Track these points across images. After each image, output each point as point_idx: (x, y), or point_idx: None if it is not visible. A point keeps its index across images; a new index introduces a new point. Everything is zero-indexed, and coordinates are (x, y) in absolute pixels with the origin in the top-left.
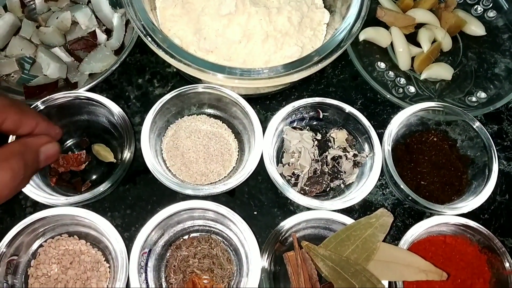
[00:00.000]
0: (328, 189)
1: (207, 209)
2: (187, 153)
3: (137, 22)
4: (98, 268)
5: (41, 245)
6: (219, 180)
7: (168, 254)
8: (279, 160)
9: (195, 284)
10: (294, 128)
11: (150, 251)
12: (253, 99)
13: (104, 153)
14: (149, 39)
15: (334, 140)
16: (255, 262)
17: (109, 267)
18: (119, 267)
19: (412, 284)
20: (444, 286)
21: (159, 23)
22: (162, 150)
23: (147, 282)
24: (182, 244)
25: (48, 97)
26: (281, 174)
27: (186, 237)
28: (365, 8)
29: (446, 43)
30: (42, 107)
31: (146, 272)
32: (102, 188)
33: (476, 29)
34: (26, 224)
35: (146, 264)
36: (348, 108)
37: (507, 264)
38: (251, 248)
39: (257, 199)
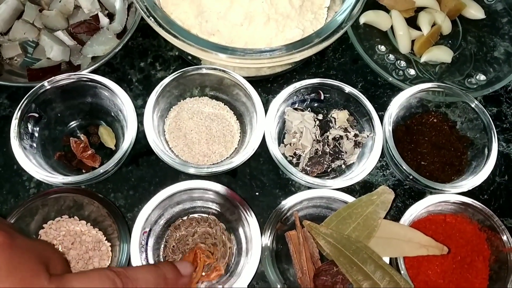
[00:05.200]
0: (329, 170)
1: (206, 189)
2: (190, 134)
3: (140, 3)
4: (99, 247)
5: (42, 227)
6: (221, 161)
7: (167, 234)
8: (280, 141)
9: (197, 256)
10: (296, 109)
11: (150, 230)
12: (255, 82)
13: (107, 137)
14: (152, 19)
15: (335, 120)
16: (256, 242)
17: (111, 246)
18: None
19: (413, 260)
20: (444, 263)
21: (161, 7)
22: (164, 131)
23: (147, 261)
24: (181, 225)
25: (52, 78)
26: (283, 155)
27: (185, 218)
28: None
29: (446, 27)
30: (48, 87)
31: (146, 251)
32: (102, 169)
33: (475, 12)
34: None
35: (147, 243)
36: (348, 88)
37: (505, 240)
38: (252, 228)
39: (259, 180)
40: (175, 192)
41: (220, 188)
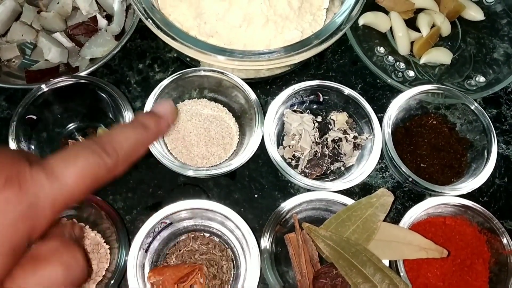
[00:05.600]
0: (328, 172)
1: (239, 227)
2: (188, 136)
3: (138, 5)
4: (98, 250)
5: None
6: (220, 163)
7: (182, 238)
8: (279, 143)
9: (192, 273)
10: (295, 111)
11: (170, 224)
12: (253, 84)
13: None
14: (150, 22)
15: (334, 123)
16: None
17: (109, 248)
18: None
19: (413, 263)
20: (444, 266)
21: (160, 9)
22: None
23: (148, 247)
24: (200, 238)
25: (50, 80)
26: (282, 157)
27: (208, 235)
28: None
29: (445, 28)
30: (45, 89)
31: (153, 239)
32: None
33: (475, 14)
34: None
35: (159, 232)
36: (347, 90)
37: (506, 243)
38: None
39: (258, 182)
40: (213, 210)
41: (251, 239)
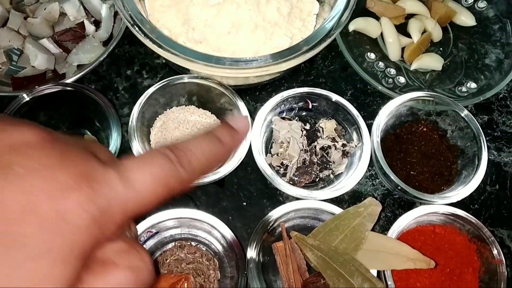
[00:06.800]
0: (317, 180)
1: (222, 233)
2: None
3: (124, 12)
4: None
5: None
6: None
7: (168, 247)
8: (268, 150)
9: (179, 283)
10: (283, 118)
11: (156, 233)
12: (242, 90)
13: None
14: (137, 29)
15: (323, 130)
16: None
17: None
18: None
19: (401, 273)
20: (433, 275)
21: (148, 14)
22: (150, 141)
23: None
24: (186, 247)
25: (34, 88)
26: (270, 165)
27: (194, 243)
28: None
29: (436, 34)
30: (27, 99)
31: None
32: None
33: (466, 19)
34: None
35: (145, 242)
36: (335, 97)
37: (495, 253)
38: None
39: (246, 190)
40: (200, 219)
41: (230, 236)
